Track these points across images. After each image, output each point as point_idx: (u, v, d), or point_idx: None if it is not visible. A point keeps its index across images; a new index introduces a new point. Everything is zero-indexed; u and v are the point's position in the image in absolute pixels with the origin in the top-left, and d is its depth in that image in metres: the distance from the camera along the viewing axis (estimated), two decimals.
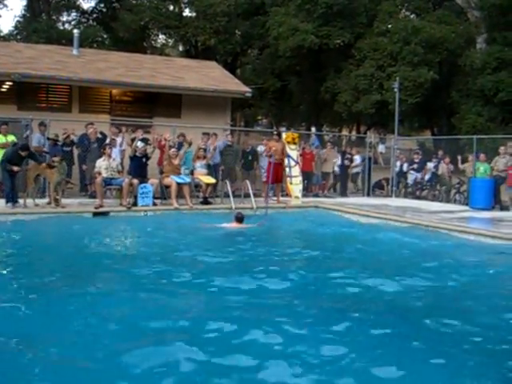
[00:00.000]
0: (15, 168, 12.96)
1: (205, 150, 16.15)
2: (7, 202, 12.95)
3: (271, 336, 5.35)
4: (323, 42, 32.95)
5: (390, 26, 32.91)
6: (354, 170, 20.51)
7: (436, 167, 19.26)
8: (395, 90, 23.73)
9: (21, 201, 13.17)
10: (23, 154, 13.09)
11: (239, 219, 12.31)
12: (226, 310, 6.17)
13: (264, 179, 16.89)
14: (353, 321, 5.94)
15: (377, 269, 8.67)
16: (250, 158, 17.89)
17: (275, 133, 17.91)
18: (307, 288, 7.42)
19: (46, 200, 14.05)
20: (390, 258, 9.78)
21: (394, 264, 9.36)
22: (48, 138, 14.98)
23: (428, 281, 7.89)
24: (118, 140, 16.24)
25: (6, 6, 52.19)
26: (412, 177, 19.91)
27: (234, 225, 12.31)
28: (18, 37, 40.04)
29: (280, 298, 6.73)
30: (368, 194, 19.85)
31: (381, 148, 22.73)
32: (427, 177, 19.53)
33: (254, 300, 6.67)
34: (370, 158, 20.12)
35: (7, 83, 17.75)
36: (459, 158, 18.64)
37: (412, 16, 37.09)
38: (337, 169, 19.99)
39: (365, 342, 5.40)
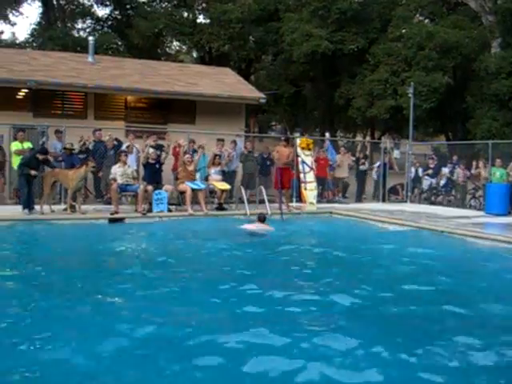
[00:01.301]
0: (32, 172, 13.06)
1: (220, 156, 16.20)
2: (24, 208, 13.06)
3: None
4: (337, 48, 32.99)
5: (404, 31, 32.81)
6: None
7: (451, 172, 19.19)
8: (410, 95, 23.68)
9: (37, 207, 13.27)
10: (41, 157, 13.22)
11: (261, 219, 12.63)
12: None
13: None
14: None
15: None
16: (268, 163, 17.96)
17: (282, 138, 17.76)
18: None
19: (62, 206, 14.15)
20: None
21: None
22: (65, 148, 15.06)
23: None
24: (136, 146, 16.32)
25: (21, 13, 52.75)
26: (427, 182, 19.85)
27: (256, 225, 12.53)
28: (34, 44, 40.35)
29: None
30: (383, 200, 19.80)
31: (396, 153, 22.71)
32: (442, 182, 19.47)
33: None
34: (385, 164, 20.07)
35: (23, 90, 17.87)
36: (474, 163, 18.56)
37: (426, 21, 37.00)
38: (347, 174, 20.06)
39: None
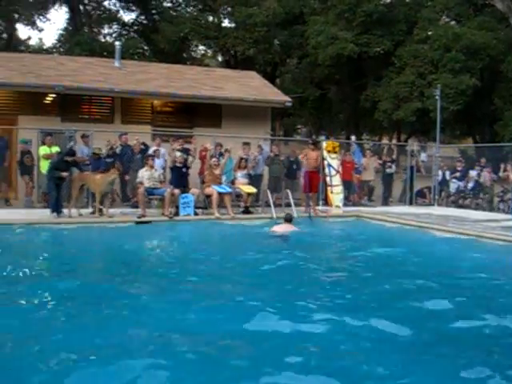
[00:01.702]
0: (64, 173, 13.20)
1: (246, 159, 16.21)
2: (52, 211, 13.17)
3: None
4: (363, 50, 32.93)
5: (430, 32, 32.65)
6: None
7: (479, 175, 18.98)
8: (436, 97, 23.44)
9: (65, 211, 13.37)
10: (69, 159, 13.33)
11: (288, 220, 12.71)
12: None
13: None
14: None
15: None
16: (294, 167, 17.92)
17: (310, 141, 17.60)
18: None
19: (89, 210, 14.26)
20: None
21: None
22: (93, 153, 15.17)
23: None
24: (162, 150, 16.38)
25: (48, 19, 53.39)
26: (454, 185, 19.65)
27: (284, 227, 12.50)
28: (61, 50, 40.80)
29: None
30: (410, 203, 19.64)
31: (423, 156, 22.51)
32: (470, 185, 19.24)
33: None
34: (412, 167, 19.91)
35: (51, 95, 18.07)
36: (502, 166, 18.35)
37: (452, 23, 36.69)
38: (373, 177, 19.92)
39: None
